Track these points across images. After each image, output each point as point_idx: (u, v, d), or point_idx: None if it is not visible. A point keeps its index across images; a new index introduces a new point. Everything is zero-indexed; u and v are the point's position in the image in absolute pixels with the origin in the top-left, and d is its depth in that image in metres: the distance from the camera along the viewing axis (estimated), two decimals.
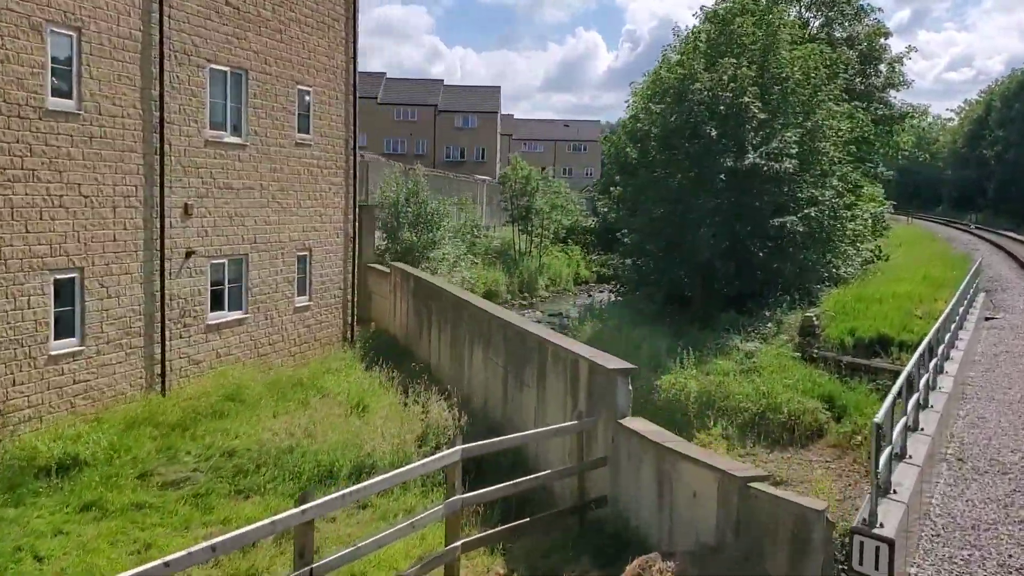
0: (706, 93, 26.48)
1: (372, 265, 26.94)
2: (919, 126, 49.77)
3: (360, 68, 24.32)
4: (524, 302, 46.08)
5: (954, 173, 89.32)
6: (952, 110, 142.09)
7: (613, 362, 11.46)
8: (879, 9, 37.50)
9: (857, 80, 36.41)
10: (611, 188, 32.94)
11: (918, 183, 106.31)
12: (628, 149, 29.16)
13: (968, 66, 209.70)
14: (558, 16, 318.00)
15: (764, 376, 21.40)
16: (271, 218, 20.43)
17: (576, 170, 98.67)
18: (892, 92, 38.31)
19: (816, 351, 22.44)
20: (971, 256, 39.05)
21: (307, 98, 21.64)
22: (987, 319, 23.65)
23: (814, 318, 23.10)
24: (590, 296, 47.12)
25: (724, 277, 27.12)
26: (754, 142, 26.21)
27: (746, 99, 26.01)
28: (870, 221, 29.56)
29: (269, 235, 20.39)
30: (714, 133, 25.95)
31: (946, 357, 15.80)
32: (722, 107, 26.33)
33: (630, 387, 11.21)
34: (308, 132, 21.86)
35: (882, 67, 38.13)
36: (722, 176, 26.29)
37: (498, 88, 79.61)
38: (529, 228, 50.90)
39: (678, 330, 25.72)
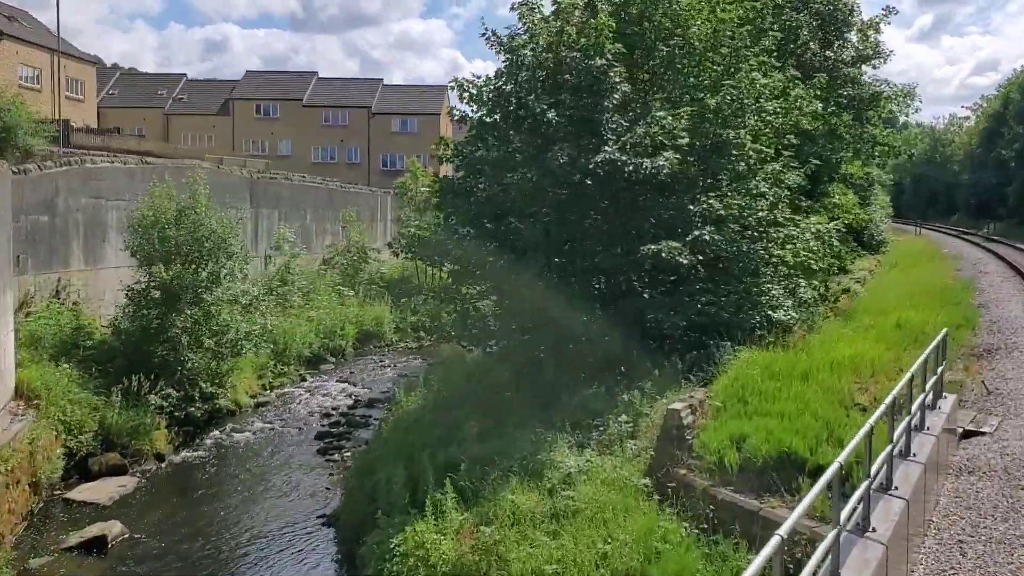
0: (546, 55, 17.42)
1: None
2: (907, 117, 39.89)
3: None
4: (416, 345, 36.94)
5: (971, 177, 79.11)
6: (968, 107, 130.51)
7: None
8: None
9: (816, 52, 27.12)
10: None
11: (933, 190, 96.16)
12: (444, 140, 20.12)
13: (994, 70, 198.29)
14: None
15: (575, 528, 12.25)
16: None
17: None
18: (866, 68, 28.89)
19: (682, 473, 13.24)
20: (975, 284, 29.52)
21: None
22: (965, 434, 12.79)
23: (682, 412, 13.84)
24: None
25: (582, 333, 17.96)
26: (615, 128, 17.09)
27: (600, 62, 16.91)
28: (814, 243, 20.00)
29: None
30: (552, 115, 16.85)
31: None
32: (568, 76, 17.25)
33: None
34: None
35: (852, 35, 28.75)
36: (588, 180, 17.26)
37: (444, 88, 70.38)
38: None
39: (501, 419, 16.58)
